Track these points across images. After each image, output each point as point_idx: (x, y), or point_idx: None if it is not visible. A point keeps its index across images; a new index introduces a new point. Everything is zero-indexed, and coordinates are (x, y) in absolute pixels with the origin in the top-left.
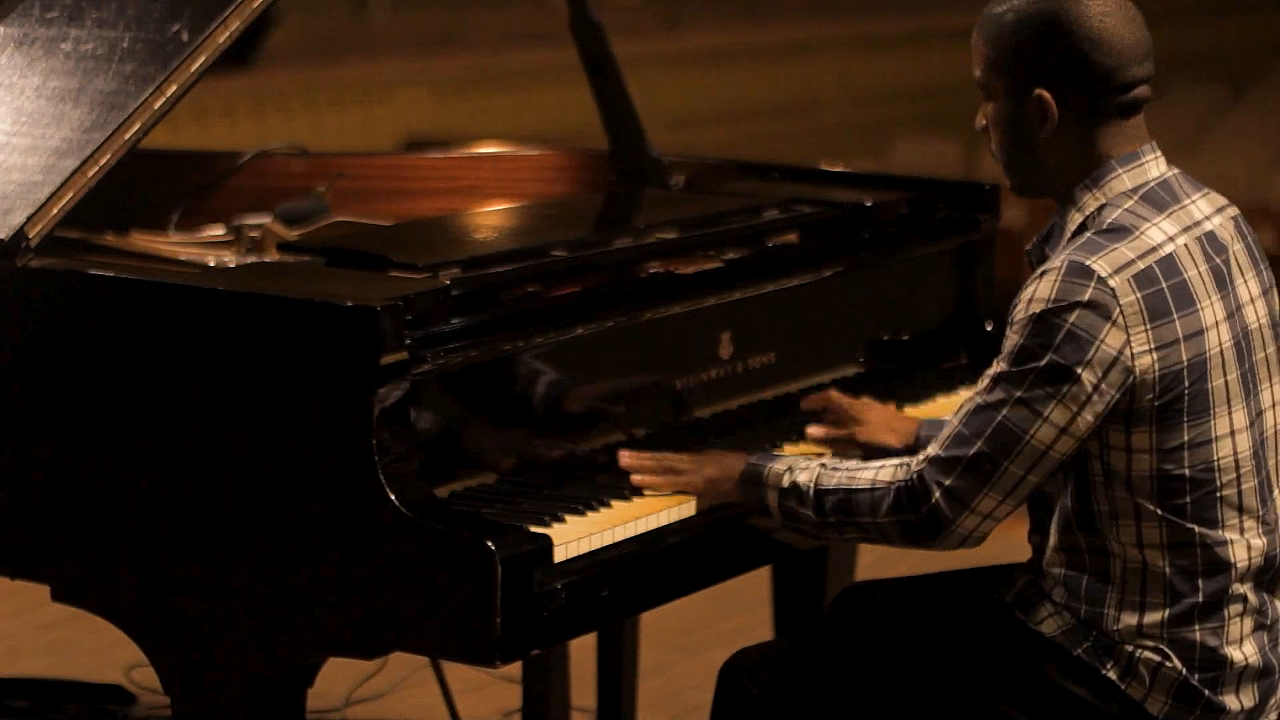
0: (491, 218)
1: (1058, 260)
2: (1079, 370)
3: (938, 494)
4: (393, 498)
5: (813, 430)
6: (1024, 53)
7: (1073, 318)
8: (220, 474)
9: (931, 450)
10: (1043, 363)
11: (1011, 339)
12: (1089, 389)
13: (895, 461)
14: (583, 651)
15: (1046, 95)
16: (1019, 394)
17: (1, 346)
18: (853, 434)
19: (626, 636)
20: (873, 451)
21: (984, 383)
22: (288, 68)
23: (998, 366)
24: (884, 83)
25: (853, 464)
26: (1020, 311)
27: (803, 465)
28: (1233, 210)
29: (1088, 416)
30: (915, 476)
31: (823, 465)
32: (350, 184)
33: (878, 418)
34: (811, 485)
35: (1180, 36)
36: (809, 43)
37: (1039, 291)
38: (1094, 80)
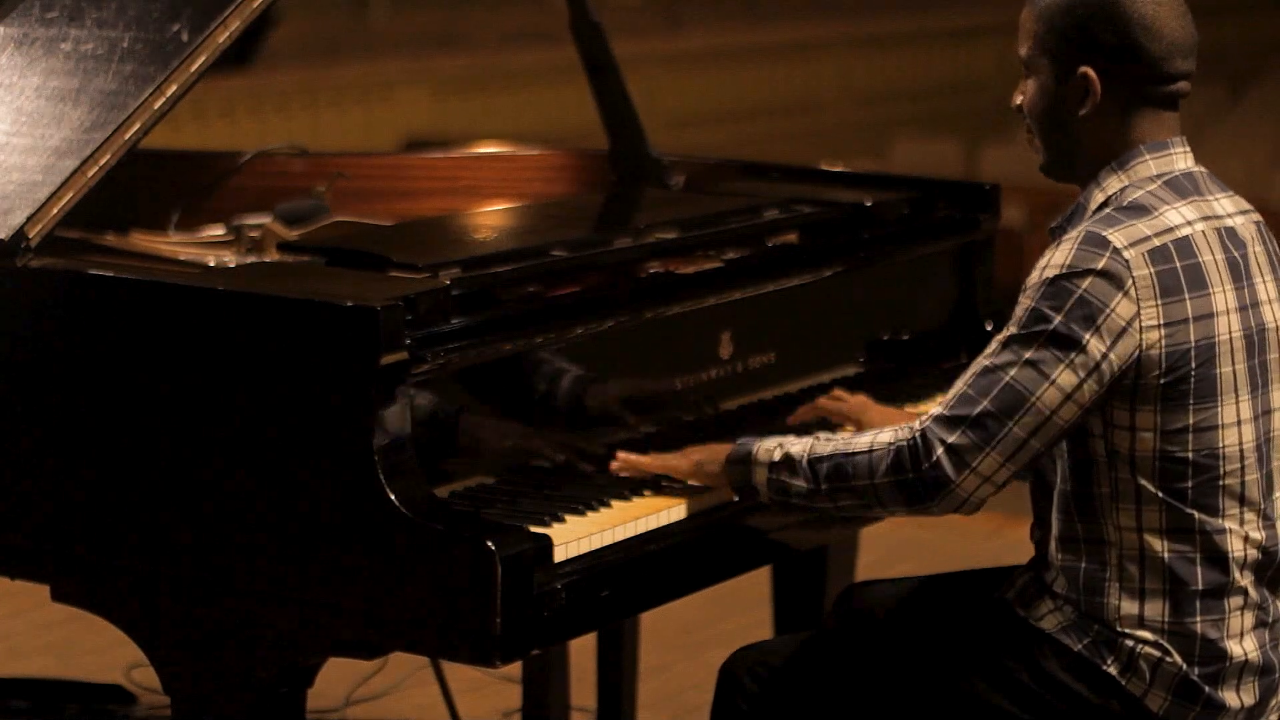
0: (491, 218)
1: (1074, 231)
2: (1087, 336)
3: (940, 451)
4: (393, 498)
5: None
6: (1076, 31)
7: (1085, 284)
8: (220, 474)
9: (935, 410)
10: (1052, 326)
11: (1023, 303)
12: (1096, 356)
13: (894, 427)
14: (583, 651)
15: (1092, 74)
16: (1027, 355)
17: (1, 346)
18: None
19: (626, 636)
20: None
21: (992, 346)
22: (288, 68)
23: (1008, 330)
24: (884, 83)
25: (848, 434)
26: (1034, 277)
27: (795, 440)
28: (1255, 215)
29: (1093, 384)
30: (918, 435)
31: (816, 437)
32: (350, 184)
33: (877, 418)
34: (805, 454)
35: None
36: (809, 43)
37: (1054, 258)
38: (1141, 66)
